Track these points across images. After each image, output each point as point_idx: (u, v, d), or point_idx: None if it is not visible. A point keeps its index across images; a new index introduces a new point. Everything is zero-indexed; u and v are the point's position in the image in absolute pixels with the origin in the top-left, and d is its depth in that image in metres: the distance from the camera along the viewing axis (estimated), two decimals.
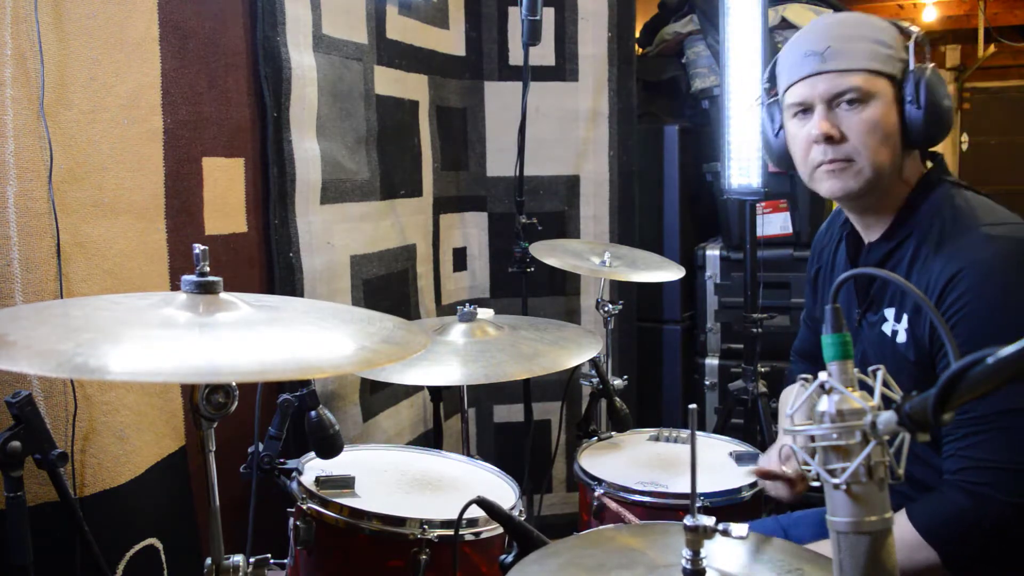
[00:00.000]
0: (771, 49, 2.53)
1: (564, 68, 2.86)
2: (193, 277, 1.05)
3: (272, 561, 1.14)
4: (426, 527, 1.34)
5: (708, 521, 0.84)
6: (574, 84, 2.87)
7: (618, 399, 2.01)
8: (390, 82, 2.39)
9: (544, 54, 2.83)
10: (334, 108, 2.14)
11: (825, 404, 0.71)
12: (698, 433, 2.12)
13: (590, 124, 2.90)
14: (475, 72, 2.82)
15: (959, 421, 1.22)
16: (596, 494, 1.69)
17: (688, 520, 0.84)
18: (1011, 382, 0.56)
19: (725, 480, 1.71)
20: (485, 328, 1.81)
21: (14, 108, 1.35)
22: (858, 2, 5.50)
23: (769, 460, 1.61)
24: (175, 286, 1.41)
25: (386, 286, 2.39)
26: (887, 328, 1.36)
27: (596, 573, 0.90)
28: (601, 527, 1.18)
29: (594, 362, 1.98)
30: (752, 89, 2.50)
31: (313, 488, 1.44)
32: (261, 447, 1.48)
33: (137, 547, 1.56)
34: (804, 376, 0.78)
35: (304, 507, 1.40)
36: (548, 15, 2.79)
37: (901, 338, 1.33)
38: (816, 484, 0.73)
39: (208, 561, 1.08)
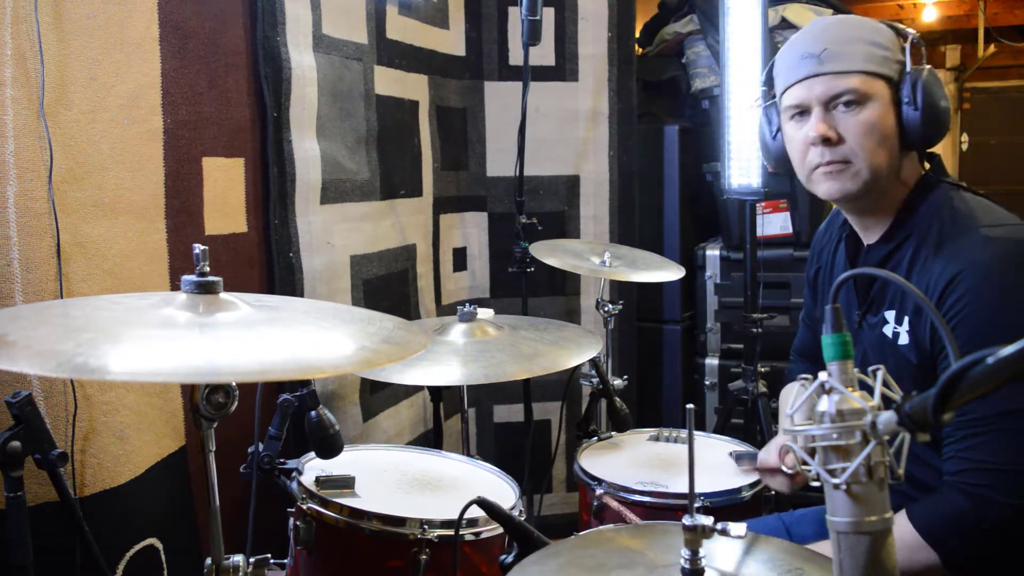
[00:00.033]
0: (771, 49, 2.53)
1: (564, 68, 2.86)
2: (193, 277, 1.05)
3: (272, 561, 1.14)
4: (426, 527, 1.34)
5: (707, 521, 0.84)
6: (574, 84, 2.87)
7: (618, 399, 2.01)
8: (390, 82, 2.39)
9: (544, 54, 2.83)
10: (334, 108, 2.14)
11: (825, 404, 0.71)
12: (698, 433, 2.12)
13: (590, 124, 2.90)
14: (475, 72, 2.82)
15: (959, 423, 1.22)
16: (597, 493, 1.69)
17: (687, 520, 0.84)
18: (1011, 382, 0.56)
19: (725, 480, 1.71)
20: (485, 328, 1.81)
21: (14, 108, 1.35)
22: (858, 2, 5.50)
23: (768, 455, 1.61)
24: (175, 286, 1.41)
25: (386, 286, 2.39)
26: (888, 330, 1.36)
27: (596, 573, 0.90)
28: (601, 527, 1.18)
29: (594, 362, 1.98)
30: (752, 89, 2.49)
31: (313, 488, 1.44)
32: (261, 447, 1.48)
33: (137, 547, 1.56)
34: (804, 376, 0.78)
35: (304, 507, 1.40)
36: (548, 15, 2.79)
37: (903, 340, 1.33)
38: (816, 484, 0.73)
39: (208, 561, 1.08)
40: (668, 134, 3.17)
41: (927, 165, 1.40)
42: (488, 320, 1.85)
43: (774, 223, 3.06)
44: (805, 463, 0.74)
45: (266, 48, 1.92)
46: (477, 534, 1.38)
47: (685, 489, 1.63)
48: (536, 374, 1.65)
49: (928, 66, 1.32)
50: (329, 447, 1.48)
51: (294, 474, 1.48)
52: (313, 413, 1.47)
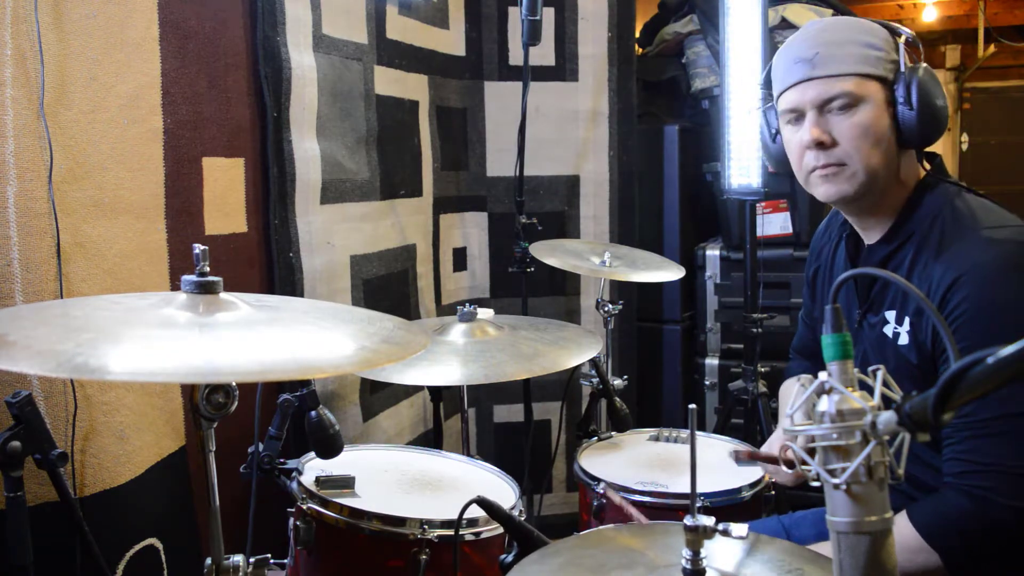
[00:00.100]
0: (771, 49, 2.53)
1: (564, 68, 2.86)
2: (193, 277, 1.05)
3: (272, 561, 1.14)
4: (426, 527, 1.34)
5: (708, 521, 0.84)
6: (574, 84, 2.87)
7: (618, 399, 2.01)
8: (390, 82, 2.39)
9: (544, 54, 2.83)
10: (334, 108, 2.14)
11: (825, 404, 0.71)
12: (698, 433, 2.12)
13: (590, 124, 2.90)
14: (475, 72, 2.82)
15: (960, 424, 1.22)
16: (598, 492, 1.69)
17: (688, 520, 0.84)
18: (1011, 382, 0.56)
19: (725, 480, 1.71)
20: (485, 328, 1.81)
21: (14, 108, 1.35)
22: (858, 2, 5.50)
23: (770, 448, 1.62)
24: (175, 286, 1.41)
25: (386, 286, 2.39)
26: (888, 330, 1.36)
27: (596, 573, 0.90)
28: (601, 527, 1.18)
29: (594, 362, 1.98)
30: (752, 89, 2.50)
31: (313, 488, 1.44)
32: (261, 447, 1.48)
33: (137, 547, 1.56)
34: (804, 376, 0.78)
35: (304, 507, 1.40)
36: (548, 15, 2.79)
37: (903, 340, 1.33)
38: (816, 484, 0.73)
39: (208, 561, 1.08)
40: (668, 134, 3.17)
41: (927, 165, 1.40)
42: (488, 320, 1.85)
43: (774, 223, 3.06)
44: (805, 463, 0.74)
45: (266, 48, 1.92)
46: (477, 534, 1.38)
47: (685, 489, 1.63)
48: (536, 374, 1.65)
49: (924, 65, 1.32)
50: (329, 447, 1.48)
51: (294, 474, 1.48)
52: (313, 413, 1.47)
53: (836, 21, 1.38)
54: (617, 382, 2.14)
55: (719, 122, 2.66)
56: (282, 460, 1.50)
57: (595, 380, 2.03)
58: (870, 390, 0.71)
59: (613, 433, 2.01)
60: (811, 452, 0.73)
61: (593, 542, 1.00)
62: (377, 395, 2.33)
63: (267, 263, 1.97)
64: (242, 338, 0.97)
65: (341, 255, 2.19)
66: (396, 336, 1.09)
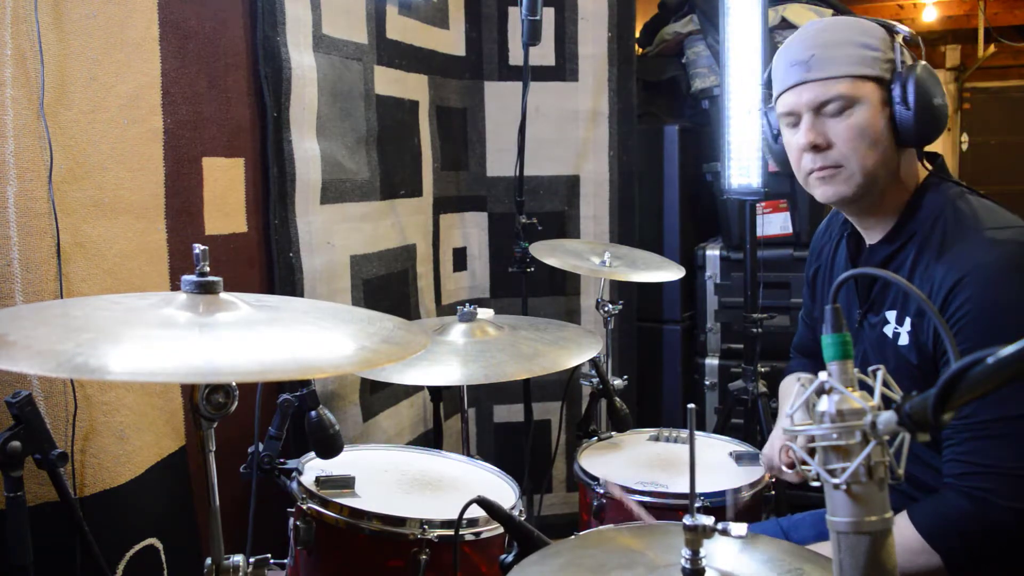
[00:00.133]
0: (771, 49, 2.53)
1: (564, 68, 2.86)
2: (193, 277, 1.05)
3: (272, 561, 1.14)
4: (426, 527, 1.34)
5: (707, 521, 0.84)
6: (574, 84, 2.87)
7: (618, 399, 2.01)
8: (390, 82, 2.39)
9: (544, 54, 2.83)
10: (334, 108, 2.14)
11: (825, 404, 0.71)
12: (698, 433, 2.12)
13: (590, 124, 2.90)
14: (475, 72, 2.82)
15: (960, 426, 1.22)
16: (601, 492, 1.69)
17: (687, 520, 0.84)
18: (1011, 382, 0.56)
19: (725, 480, 1.71)
20: (485, 328, 1.81)
21: (14, 108, 1.35)
22: (858, 2, 5.50)
23: (772, 452, 1.63)
24: (175, 286, 1.41)
25: (386, 286, 2.39)
26: (888, 330, 1.36)
27: (596, 573, 0.90)
28: (601, 527, 1.18)
29: (594, 362, 1.98)
30: (752, 89, 2.50)
31: (313, 488, 1.44)
32: (261, 447, 1.48)
33: (137, 547, 1.56)
34: (804, 376, 0.78)
35: (304, 507, 1.40)
36: (548, 15, 2.79)
37: (903, 340, 1.33)
38: (816, 484, 0.73)
39: (208, 561, 1.08)
40: (668, 134, 3.17)
41: (928, 165, 1.40)
42: (488, 320, 1.85)
43: (774, 223, 3.06)
44: (805, 463, 0.74)
45: (266, 48, 1.92)
46: (477, 534, 1.38)
47: (685, 489, 1.63)
48: (536, 374, 1.65)
49: (922, 63, 1.31)
50: (329, 447, 1.48)
51: (294, 474, 1.48)
52: (313, 413, 1.47)
53: (832, 22, 1.38)
54: (617, 382, 2.14)
55: (719, 122, 2.66)
56: (282, 460, 1.50)
57: (595, 380, 2.03)
58: (870, 390, 0.71)
59: (613, 433, 2.01)
60: (811, 452, 0.73)
61: (593, 542, 1.00)
62: (377, 395, 2.33)
63: (267, 263, 1.97)
64: (242, 338, 0.97)
65: (341, 255, 2.19)
66: (396, 336, 1.09)
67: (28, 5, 1.36)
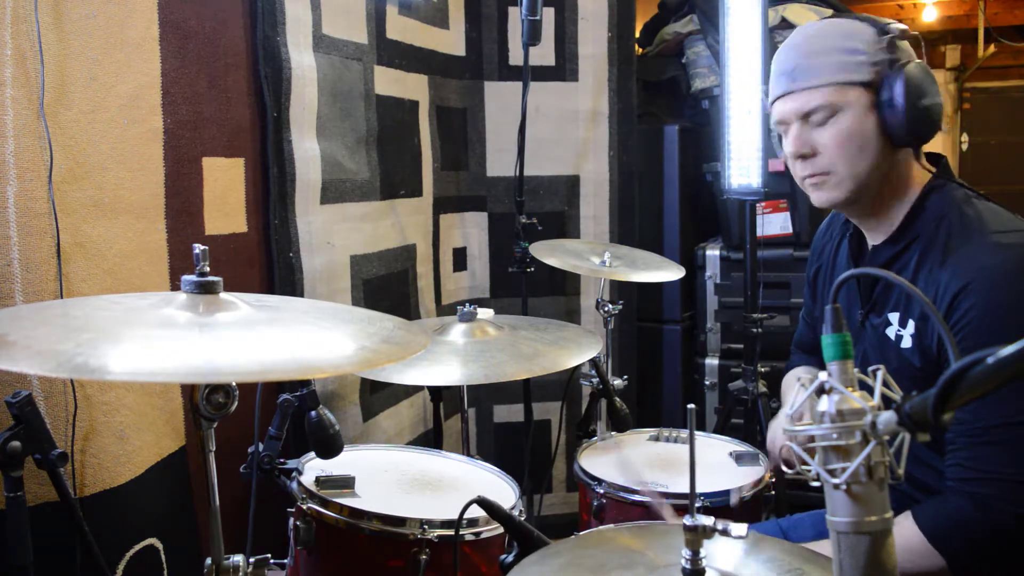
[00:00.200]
0: (771, 49, 2.53)
1: (564, 68, 2.86)
2: (193, 277, 1.05)
3: (272, 561, 1.14)
4: (426, 527, 1.34)
5: (707, 521, 0.84)
6: (574, 84, 2.87)
7: (618, 399, 2.01)
8: (390, 82, 2.39)
9: (544, 54, 2.83)
10: (334, 108, 2.14)
11: (825, 404, 0.71)
12: (698, 433, 2.12)
13: (590, 124, 2.90)
14: (475, 72, 2.82)
15: (963, 431, 1.22)
16: (600, 492, 1.69)
17: (687, 520, 0.84)
18: (1011, 382, 0.56)
19: (725, 480, 1.71)
20: (485, 328, 1.81)
21: (14, 108, 1.35)
22: (858, 2, 5.50)
23: (774, 438, 1.63)
24: (175, 286, 1.41)
25: (386, 286, 2.39)
26: (891, 332, 1.36)
27: (596, 573, 0.90)
28: (601, 527, 1.18)
29: (594, 362, 1.98)
30: (752, 89, 2.49)
31: (313, 488, 1.44)
32: (261, 447, 1.48)
33: (137, 547, 1.56)
34: (804, 376, 0.78)
35: (304, 507, 1.40)
36: (548, 15, 2.79)
37: (906, 343, 1.33)
38: (816, 484, 0.73)
39: (208, 561, 1.08)
40: (668, 134, 3.17)
41: (928, 165, 1.40)
42: (488, 320, 1.85)
43: (774, 223, 3.06)
44: (805, 463, 0.74)
45: (266, 48, 1.92)
46: (477, 534, 1.38)
47: (685, 489, 1.63)
48: (536, 374, 1.65)
49: (915, 61, 1.30)
50: (329, 447, 1.48)
51: (294, 474, 1.48)
52: (313, 413, 1.47)
53: (819, 28, 1.36)
54: (617, 382, 2.14)
55: (719, 122, 2.66)
56: (282, 460, 1.50)
57: (595, 380, 2.03)
58: (870, 390, 0.71)
59: (613, 433, 2.01)
60: (811, 452, 0.73)
61: (593, 542, 1.00)
62: (377, 395, 2.33)
63: (267, 263, 1.97)
64: (242, 338, 0.97)
65: (341, 255, 2.19)
66: (396, 336, 1.09)
67: (28, 5, 1.36)
